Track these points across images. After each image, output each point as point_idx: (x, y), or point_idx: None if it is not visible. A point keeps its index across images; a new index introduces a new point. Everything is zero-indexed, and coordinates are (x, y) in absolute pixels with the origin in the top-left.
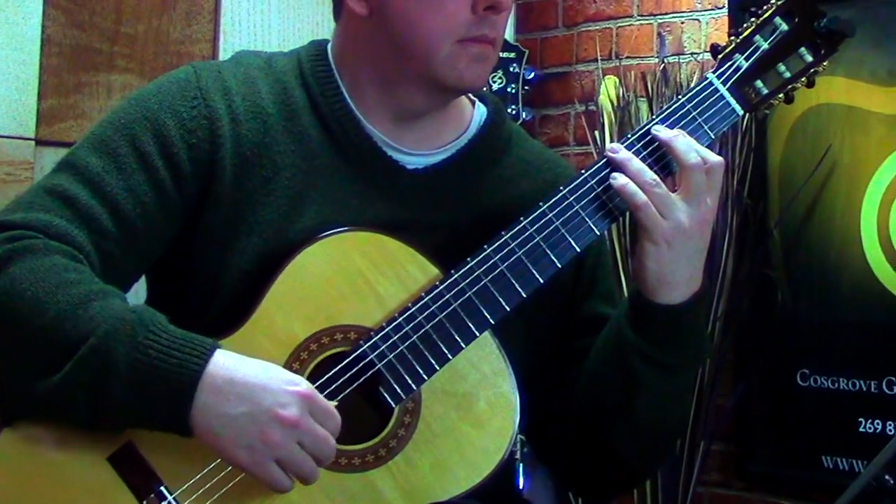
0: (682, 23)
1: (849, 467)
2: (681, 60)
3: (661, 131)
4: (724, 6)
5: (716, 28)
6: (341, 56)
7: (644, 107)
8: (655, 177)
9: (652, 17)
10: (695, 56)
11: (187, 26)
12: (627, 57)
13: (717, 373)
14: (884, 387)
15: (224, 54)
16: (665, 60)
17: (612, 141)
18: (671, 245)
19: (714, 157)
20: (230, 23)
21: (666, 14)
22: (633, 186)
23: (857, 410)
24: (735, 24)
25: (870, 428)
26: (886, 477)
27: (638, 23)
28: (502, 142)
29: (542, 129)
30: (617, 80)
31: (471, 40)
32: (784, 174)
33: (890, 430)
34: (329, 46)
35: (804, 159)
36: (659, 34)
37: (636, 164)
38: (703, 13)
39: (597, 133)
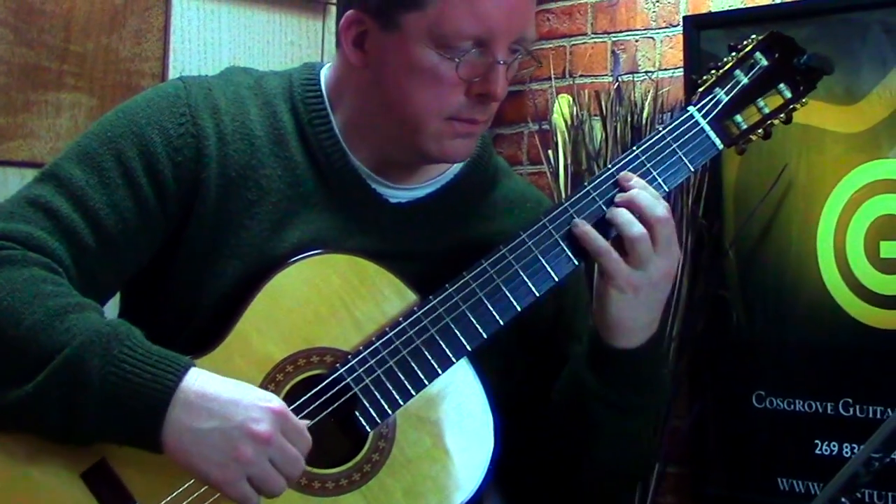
0: (637, 41)
1: (805, 489)
2: (635, 79)
3: (625, 184)
4: (678, 24)
5: (670, 46)
6: (335, 88)
7: (598, 125)
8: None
9: (606, 35)
10: (649, 74)
11: (137, 44)
12: (581, 75)
13: (672, 395)
14: (840, 408)
15: (174, 72)
16: (619, 79)
17: (565, 160)
18: (637, 294)
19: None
20: (180, 41)
21: (620, 32)
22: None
23: (813, 432)
24: (689, 42)
25: (826, 450)
26: (843, 500)
27: (592, 41)
28: (488, 178)
29: (495, 148)
30: (570, 99)
31: (460, 120)
32: (739, 193)
33: (846, 452)
34: (323, 72)
35: (760, 178)
36: (613, 52)
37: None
38: (657, 31)
39: (550, 152)
